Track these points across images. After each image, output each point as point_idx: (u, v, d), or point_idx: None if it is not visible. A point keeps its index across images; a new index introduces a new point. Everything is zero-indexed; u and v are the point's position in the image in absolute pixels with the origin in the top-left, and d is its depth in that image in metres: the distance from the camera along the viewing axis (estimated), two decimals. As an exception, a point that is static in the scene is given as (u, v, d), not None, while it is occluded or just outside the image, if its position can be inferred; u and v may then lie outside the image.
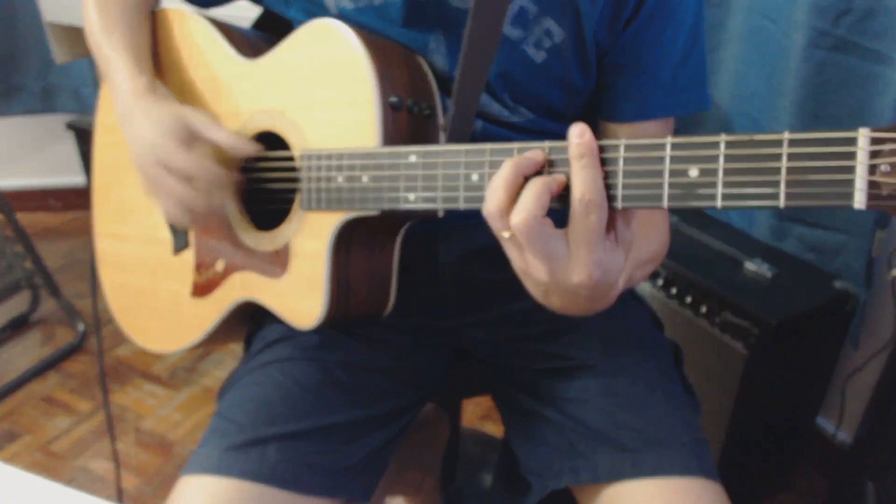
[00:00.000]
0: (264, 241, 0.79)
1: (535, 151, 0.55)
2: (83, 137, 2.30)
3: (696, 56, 0.76)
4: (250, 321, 0.89)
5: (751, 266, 1.35)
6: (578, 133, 0.51)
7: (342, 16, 0.76)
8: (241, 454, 0.70)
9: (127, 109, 0.78)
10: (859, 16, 1.18)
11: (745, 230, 1.52)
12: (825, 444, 1.54)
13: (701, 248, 1.43)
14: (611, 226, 0.53)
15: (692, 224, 1.49)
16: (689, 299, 1.35)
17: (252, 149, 0.75)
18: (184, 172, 0.72)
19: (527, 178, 0.54)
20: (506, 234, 0.54)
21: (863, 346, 1.41)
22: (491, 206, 0.53)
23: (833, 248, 1.36)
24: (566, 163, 0.53)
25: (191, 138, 0.74)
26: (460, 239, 0.83)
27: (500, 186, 0.53)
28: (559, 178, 0.53)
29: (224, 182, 0.74)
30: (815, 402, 1.50)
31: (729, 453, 1.36)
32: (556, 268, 0.53)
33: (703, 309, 1.33)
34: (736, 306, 1.27)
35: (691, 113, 0.77)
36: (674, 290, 1.38)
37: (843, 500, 1.41)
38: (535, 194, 0.52)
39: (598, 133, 0.82)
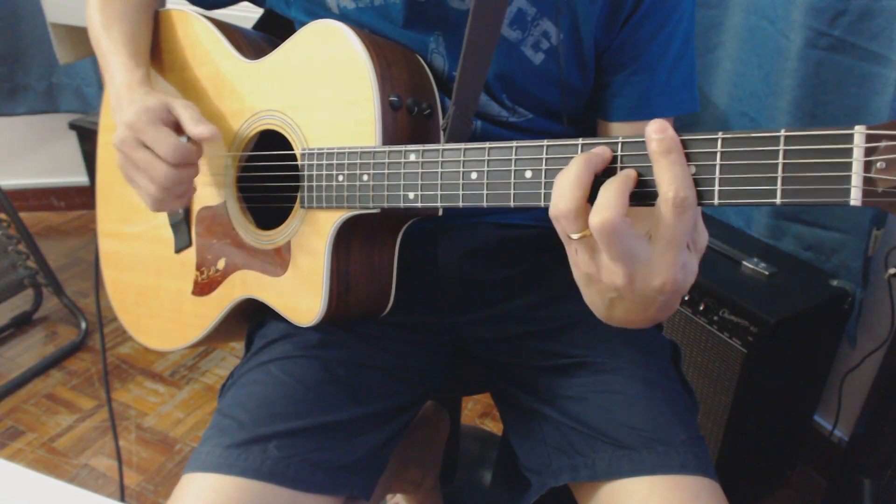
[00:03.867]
0: (265, 240, 0.80)
1: (604, 147, 0.51)
2: (86, 137, 2.30)
3: (688, 58, 0.77)
4: (251, 319, 0.90)
5: (749, 265, 1.35)
6: (659, 128, 0.48)
7: (343, 16, 0.77)
8: (242, 452, 0.70)
9: (119, 101, 0.78)
10: (856, 16, 1.18)
11: (743, 229, 1.53)
12: (822, 441, 1.54)
13: (699, 247, 1.43)
14: None
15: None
16: (686, 298, 1.36)
17: (211, 131, 0.73)
18: (155, 146, 0.72)
19: (596, 176, 0.51)
20: (576, 236, 0.51)
21: (859, 345, 1.41)
22: (564, 205, 0.50)
23: (830, 246, 1.37)
24: (636, 159, 0.51)
25: (168, 120, 0.74)
26: (460, 237, 0.84)
27: (574, 184, 0.50)
28: (633, 174, 0.50)
29: (190, 156, 0.73)
30: (813, 400, 1.50)
31: (727, 451, 1.37)
32: (637, 271, 0.50)
33: (702, 307, 1.33)
34: (734, 305, 1.27)
35: (682, 113, 0.78)
36: (672, 289, 1.38)
37: (840, 497, 1.41)
38: (618, 191, 0.48)
39: (595, 132, 0.83)
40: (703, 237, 0.52)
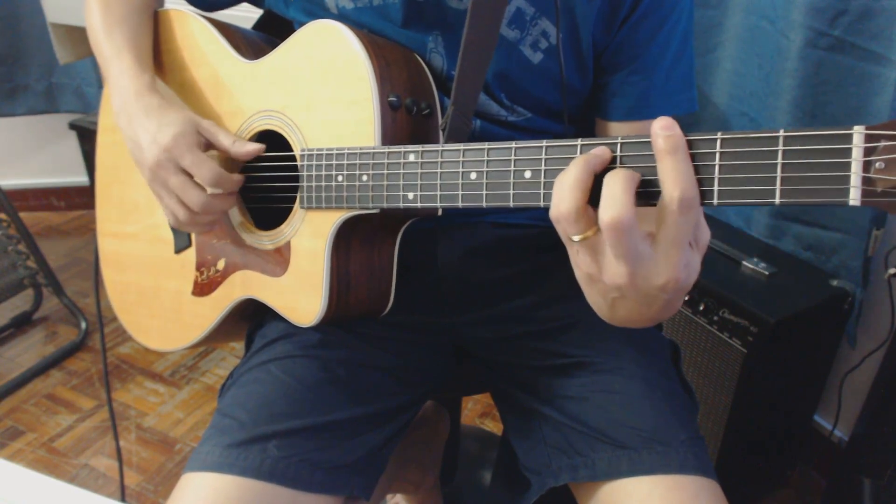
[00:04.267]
0: (265, 240, 0.80)
1: (603, 148, 0.51)
2: (86, 137, 2.31)
3: (687, 58, 0.77)
4: (251, 319, 0.90)
5: (749, 265, 1.35)
6: (666, 126, 0.47)
7: (342, 16, 0.77)
8: (242, 451, 0.70)
9: (127, 107, 0.78)
10: (856, 16, 1.18)
11: (743, 229, 1.53)
12: (822, 441, 1.54)
13: (699, 246, 1.43)
14: None
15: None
16: (686, 297, 1.36)
17: (255, 148, 0.77)
18: (196, 173, 0.73)
19: (596, 177, 0.50)
20: (577, 238, 0.50)
21: (860, 345, 1.41)
22: (564, 207, 0.50)
23: (830, 246, 1.37)
24: (636, 159, 0.51)
25: (202, 142, 0.76)
26: (460, 237, 0.84)
27: (575, 186, 0.49)
28: (636, 173, 0.50)
29: (230, 185, 0.75)
30: (813, 400, 1.50)
31: (727, 451, 1.37)
32: (640, 270, 0.49)
33: (702, 307, 1.33)
34: (734, 305, 1.27)
35: (681, 113, 0.78)
36: (672, 289, 1.38)
37: (840, 497, 1.41)
38: (626, 188, 0.47)
39: (593, 131, 0.83)
40: (706, 235, 0.52)
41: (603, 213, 0.48)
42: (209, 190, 0.74)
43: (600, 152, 0.51)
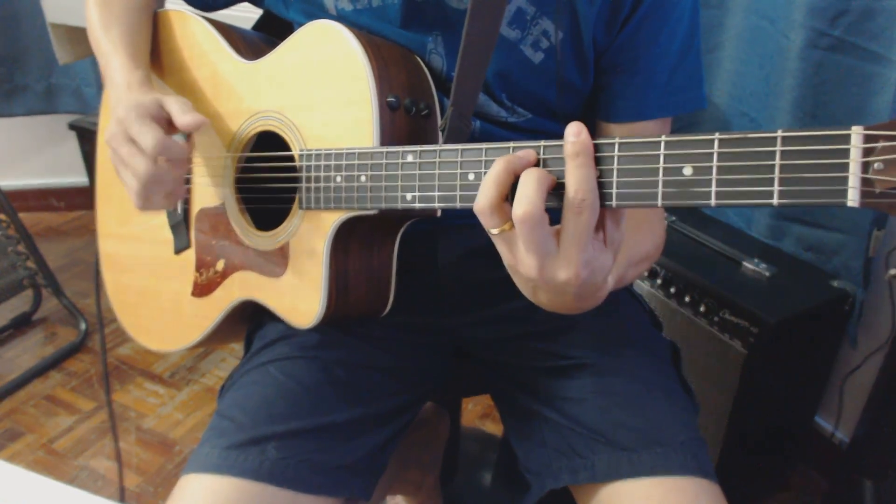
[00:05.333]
0: (264, 241, 0.80)
1: (528, 151, 0.55)
2: (86, 137, 2.31)
3: (693, 56, 0.76)
4: (250, 320, 0.90)
5: (749, 265, 1.35)
6: (575, 132, 0.51)
7: (341, 17, 0.77)
8: (241, 453, 0.70)
9: (119, 102, 0.78)
10: (856, 16, 1.18)
11: (744, 229, 1.53)
12: (823, 443, 1.54)
13: (699, 247, 1.43)
14: (600, 225, 0.53)
15: (691, 223, 1.49)
16: (687, 298, 1.36)
17: (199, 119, 0.73)
18: (140, 140, 0.71)
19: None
20: (495, 231, 0.54)
21: (861, 345, 1.41)
22: (481, 202, 0.54)
23: (831, 247, 1.37)
24: (559, 162, 0.53)
25: (160, 116, 0.74)
26: (460, 238, 0.84)
27: (492, 183, 0.53)
28: (551, 175, 0.53)
29: (175, 151, 0.73)
30: (814, 401, 1.50)
31: (728, 452, 1.37)
32: (546, 264, 0.53)
33: (702, 308, 1.33)
34: (735, 305, 1.27)
35: (688, 112, 0.77)
36: (672, 290, 1.38)
37: (841, 499, 1.41)
38: (536, 185, 0.52)
39: (595, 133, 0.83)
40: (616, 236, 0.54)
41: (516, 208, 0.52)
42: (159, 160, 0.72)
43: (524, 154, 0.55)
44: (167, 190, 0.75)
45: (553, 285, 0.54)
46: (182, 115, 0.73)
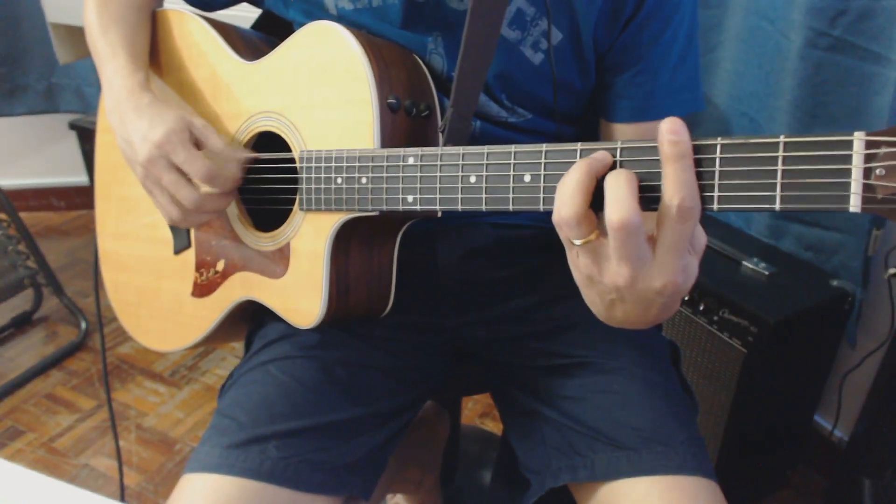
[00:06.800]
0: (265, 242, 0.80)
1: (603, 153, 0.51)
2: (86, 137, 2.30)
3: (692, 57, 0.77)
4: (251, 320, 0.90)
5: (749, 265, 1.35)
6: (673, 129, 0.47)
7: (341, 17, 0.77)
8: (241, 452, 0.70)
9: (119, 106, 0.78)
10: (856, 16, 1.18)
11: (743, 229, 1.53)
12: (823, 442, 1.54)
13: (699, 247, 1.43)
14: None
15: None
16: (687, 298, 1.36)
17: (244, 155, 0.76)
18: (189, 170, 0.72)
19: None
20: (579, 242, 0.50)
21: (860, 345, 1.42)
22: (566, 212, 0.50)
23: (830, 247, 1.37)
24: (636, 164, 0.50)
25: (194, 139, 0.75)
26: (460, 238, 0.84)
27: (577, 190, 0.49)
28: (636, 176, 0.49)
29: (226, 184, 0.74)
30: (813, 400, 1.50)
31: (727, 451, 1.37)
32: (640, 272, 0.50)
33: (702, 307, 1.33)
34: (734, 305, 1.27)
35: (687, 113, 0.78)
36: (672, 289, 1.38)
37: (840, 497, 1.41)
38: (630, 189, 0.47)
39: (596, 133, 0.83)
40: (703, 239, 0.52)
41: (612, 215, 0.48)
42: (203, 188, 0.74)
43: (602, 156, 0.51)
44: (208, 218, 0.76)
45: (643, 295, 0.51)
46: (227, 152, 0.74)
